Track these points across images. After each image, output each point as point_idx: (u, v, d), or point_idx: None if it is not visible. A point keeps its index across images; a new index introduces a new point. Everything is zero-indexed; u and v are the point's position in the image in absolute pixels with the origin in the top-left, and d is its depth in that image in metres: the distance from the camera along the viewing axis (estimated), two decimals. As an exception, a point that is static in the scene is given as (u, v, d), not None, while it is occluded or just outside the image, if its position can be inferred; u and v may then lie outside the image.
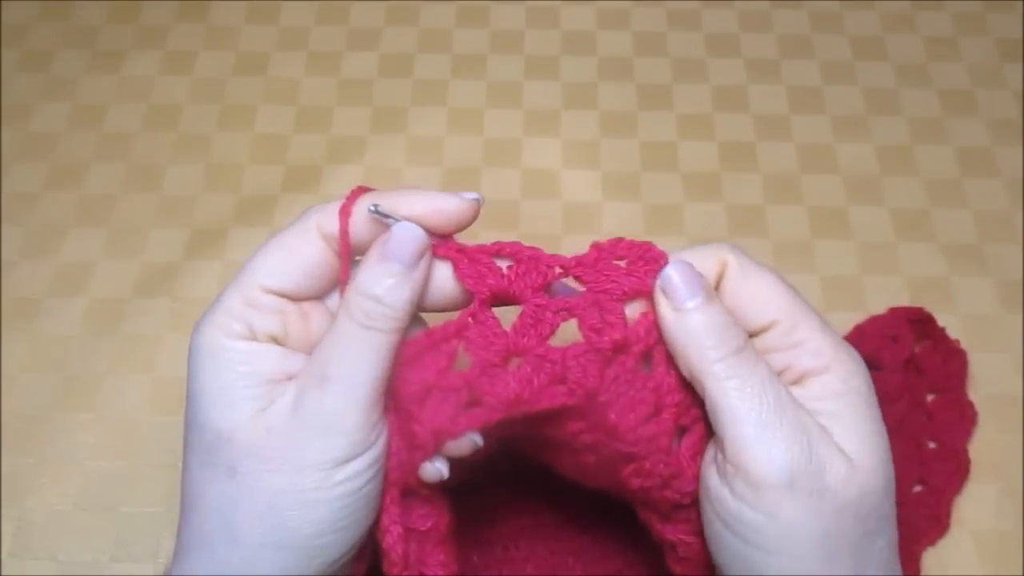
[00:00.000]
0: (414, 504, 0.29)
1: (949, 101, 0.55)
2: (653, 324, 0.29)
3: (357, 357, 0.28)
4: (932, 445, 0.43)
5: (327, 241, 0.30)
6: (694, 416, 0.29)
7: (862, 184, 0.52)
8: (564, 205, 0.51)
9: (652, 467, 0.28)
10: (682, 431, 0.29)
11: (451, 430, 0.27)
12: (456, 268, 0.30)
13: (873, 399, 0.28)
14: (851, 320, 0.46)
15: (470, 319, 0.29)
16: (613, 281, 0.30)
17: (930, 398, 0.44)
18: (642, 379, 0.29)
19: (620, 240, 0.30)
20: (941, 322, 0.45)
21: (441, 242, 0.30)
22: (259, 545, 0.27)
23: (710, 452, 0.29)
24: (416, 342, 0.29)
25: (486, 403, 0.27)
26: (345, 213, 0.30)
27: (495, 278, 0.30)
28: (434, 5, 0.59)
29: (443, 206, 0.30)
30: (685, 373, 0.29)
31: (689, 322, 0.28)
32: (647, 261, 0.30)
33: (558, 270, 0.30)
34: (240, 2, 0.59)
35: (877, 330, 0.45)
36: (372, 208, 0.29)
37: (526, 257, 0.30)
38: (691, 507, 0.29)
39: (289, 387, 0.28)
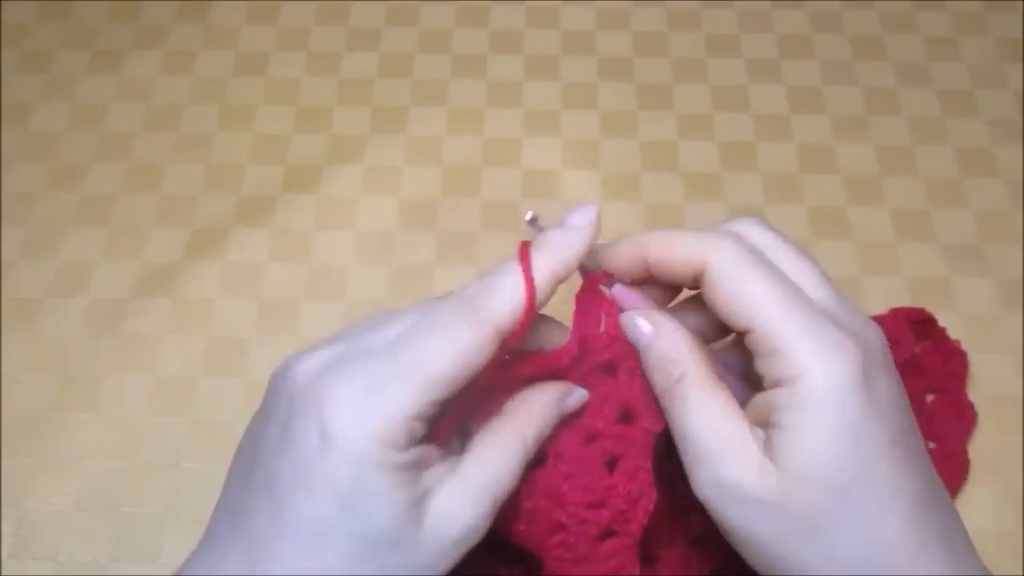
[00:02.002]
0: None
1: (949, 101, 0.55)
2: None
3: (506, 462, 0.29)
4: (932, 445, 0.43)
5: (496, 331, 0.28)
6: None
7: (862, 184, 0.52)
8: (564, 205, 0.51)
9: (576, 542, 0.30)
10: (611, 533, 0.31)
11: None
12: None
13: (846, 407, 0.27)
14: (851, 320, 0.46)
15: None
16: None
17: (930, 398, 0.44)
18: (603, 476, 0.31)
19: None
20: (941, 322, 0.45)
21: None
22: None
23: None
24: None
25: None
26: (531, 305, 0.29)
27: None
28: (434, 5, 0.59)
29: (578, 246, 0.31)
30: None
31: (643, 360, 0.31)
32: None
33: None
34: (240, 2, 0.59)
35: (877, 332, 0.45)
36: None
37: None
38: None
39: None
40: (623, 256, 0.31)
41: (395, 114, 0.55)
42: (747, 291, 0.28)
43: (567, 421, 0.31)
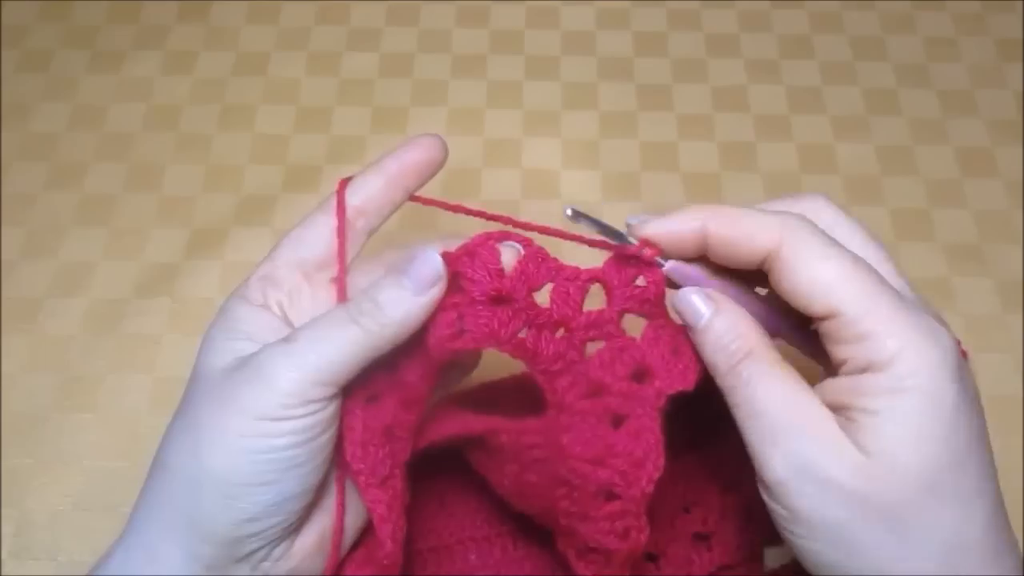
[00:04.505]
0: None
1: (949, 101, 0.55)
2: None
3: (327, 336, 0.29)
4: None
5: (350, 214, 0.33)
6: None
7: (862, 184, 0.52)
8: (564, 205, 0.51)
9: (579, 497, 0.29)
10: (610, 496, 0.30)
11: (446, 345, 0.30)
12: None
13: (945, 396, 0.25)
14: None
15: (466, 257, 0.30)
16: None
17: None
18: (606, 432, 0.30)
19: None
20: (941, 322, 0.45)
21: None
22: (185, 480, 0.29)
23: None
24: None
25: (467, 334, 0.30)
26: (341, 210, 0.32)
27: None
28: (434, 5, 0.59)
29: (411, 160, 0.34)
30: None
31: (699, 339, 0.29)
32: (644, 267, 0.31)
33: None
34: (240, 2, 0.59)
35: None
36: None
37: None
38: (598, 553, 0.30)
39: None
40: (678, 229, 0.29)
41: (395, 114, 0.55)
42: (828, 275, 0.27)
43: (574, 372, 0.30)
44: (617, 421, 0.30)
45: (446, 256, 0.30)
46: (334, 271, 0.33)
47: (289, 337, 0.29)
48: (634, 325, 0.31)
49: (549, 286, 0.31)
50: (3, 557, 0.41)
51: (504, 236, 0.31)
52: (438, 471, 0.36)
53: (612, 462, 0.29)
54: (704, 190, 0.51)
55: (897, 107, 0.55)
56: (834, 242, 0.28)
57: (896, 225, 0.50)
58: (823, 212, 0.30)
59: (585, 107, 0.55)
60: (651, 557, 0.35)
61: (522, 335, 0.30)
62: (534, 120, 0.54)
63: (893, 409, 0.25)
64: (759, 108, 0.55)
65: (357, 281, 0.33)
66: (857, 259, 0.27)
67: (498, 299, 0.30)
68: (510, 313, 0.30)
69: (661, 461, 0.29)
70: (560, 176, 0.52)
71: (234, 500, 0.28)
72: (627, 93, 0.55)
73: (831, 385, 0.27)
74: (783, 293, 0.28)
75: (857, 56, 0.57)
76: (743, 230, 0.28)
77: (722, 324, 0.29)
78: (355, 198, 0.33)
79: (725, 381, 0.29)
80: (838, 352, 0.27)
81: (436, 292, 0.30)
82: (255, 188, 0.52)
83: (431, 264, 0.30)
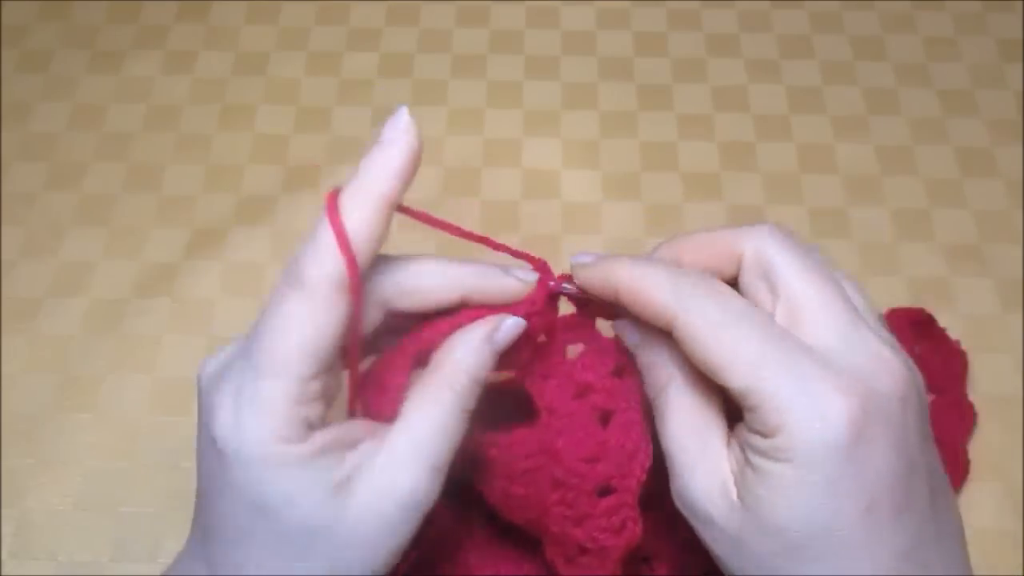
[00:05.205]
0: None
1: (949, 101, 0.55)
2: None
3: (439, 420, 0.28)
4: (932, 445, 0.43)
5: (338, 287, 0.27)
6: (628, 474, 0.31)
7: (862, 184, 0.52)
8: (564, 205, 0.51)
9: (575, 499, 0.30)
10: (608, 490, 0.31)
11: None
12: None
13: (816, 471, 0.25)
14: (851, 320, 0.46)
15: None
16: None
17: (930, 398, 0.44)
18: (597, 430, 0.31)
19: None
20: (941, 322, 0.45)
21: None
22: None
23: None
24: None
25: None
26: (344, 244, 0.27)
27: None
28: (434, 5, 0.59)
29: (395, 163, 0.28)
30: None
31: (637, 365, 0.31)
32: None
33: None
34: (240, 2, 0.59)
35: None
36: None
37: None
38: (592, 554, 0.31)
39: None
40: (598, 288, 0.30)
41: (395, 114, 0.55)
42: (717, 349, 0.26)
43: (559, 375, 0.31)
44: (605, 418, 0.31)
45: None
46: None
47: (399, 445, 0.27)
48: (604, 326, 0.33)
49: None
50: (3, 557, 0.41)
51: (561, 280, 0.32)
52: None
53: (608, 457, 0.30)
54: (704, 190, 0.51)
55: (897, 107, 0.55)
56: (731, 303, 0.27)
57: (896, 225, 0.50)
58: (767, 247, 0.28)
59: (585, 107, 0.55)
60: (645, 559, 0.35)
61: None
62: (534, 120, 0.54)
63: (770, 474, 0.26)
64: (759, 108, 0.55)
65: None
66: (756, 323, 0.26)
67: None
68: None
69: (650, 449, 0.30)
70: (560, 176, 0.52)
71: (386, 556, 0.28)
72: (627, 93, 0.55)
73: (739, 429, 0.28)
74: (688, 355, 0.28)
75: (857, 56, 0.57)
76: (638, 300, 0.28)
77: (644, 357, 0.30)
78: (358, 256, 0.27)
79: (652, 404, 0.30)
80: (744, 416, 0.27)
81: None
82: (255, 188, 0.52)
83: (517, 330, 0.30)
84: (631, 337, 0.31)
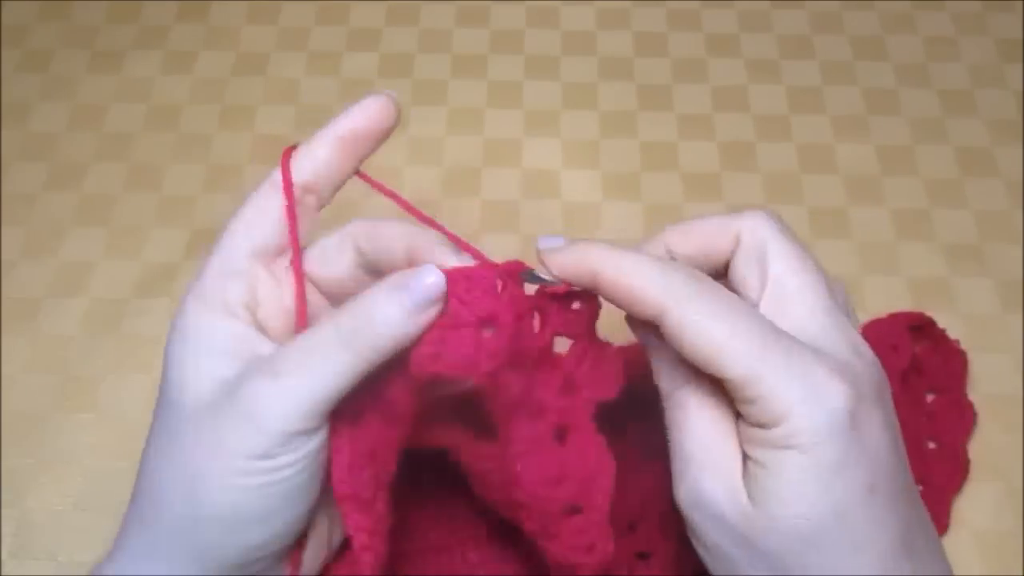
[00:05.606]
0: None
1: (949, 101, 0.55)
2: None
3: (318, 366, 0.27)
4: (932, 445, 0.43)
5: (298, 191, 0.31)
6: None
7: (862, 184, 0.52)
8: (564, 205, 0.51)
9: (542, 518, 0.30)
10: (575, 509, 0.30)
11: (426, 366, 0.27)
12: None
13: (824, 455, 0.26)
14: (851, 320, 0.46)
15: (464, 278, 0.29)
16: None
17: (930, 398, 0.44)
18: (555, 450, 0.30)
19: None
20: (941, 322, 0.45)
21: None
22: (183, 518, 0.28)
23: None
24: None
25: (445, 357, 0.28)
26: (288, 183, 0.30)
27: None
28: (434, 5, 0.59)
29: (361, 127, 0.31)
30: None
31: (652, 363, 0.31)
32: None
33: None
34: (240, 2, 0.59)
35: (877, 338, 0.44)
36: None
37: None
38: (567, 569, 0.30)
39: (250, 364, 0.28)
40: (573, 273, 0.29)
41: (395, 114, 0.55)
42: (711, 340, 0.26)
43: (516, 399, 0.30)
44: (560, 435, 0.30)
45: (447, 274, 0.28)
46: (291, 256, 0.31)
47: (275, 365, 0.27)
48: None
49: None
50: (3, 557, 0.41)
51: (517, 267, 0.30)
52: (436, 470, 0.36)
53: (571, 475, 0.30)
54: (704, 190, 0.51)
55: (897, 107, 0.55)
56: (721, 296, 0.27)
57: (896, 225, 0.50)
58: (760, 230, 0.29)
59: (585, 107, 0.55)
60: (642, 555, 0.35)
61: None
62: (534, 120, 0.54)
63: (776, 465, 0.26)
64: (759, 108, 0.55)
65: (318, 264, 0.32)
66: (739, 314, 0.27)
67: (487, 324, 0.28)
68: (496, 345, 0.28)
69: (612, 466, 0.30)
70: (560, 176, 0.52)
71: (240, 533, 0.27)
72: (627, 93, 0.55)
73: (741, 426, 0.28)
74: (676, 348, 0.28)
75: (857, 56, 0.57)
76: (624, 292, 0.28)
77: (660, 356, 0.30)
78: (303, 173, 0.31)
79: (664, 403, 0.30)
80: (736, 405, 0.27)
81: (435, 312, 0.27)
82: (255, 188, 0.52)
83: (435, 282, 0.27)
84: (648, 338, 0.30)
